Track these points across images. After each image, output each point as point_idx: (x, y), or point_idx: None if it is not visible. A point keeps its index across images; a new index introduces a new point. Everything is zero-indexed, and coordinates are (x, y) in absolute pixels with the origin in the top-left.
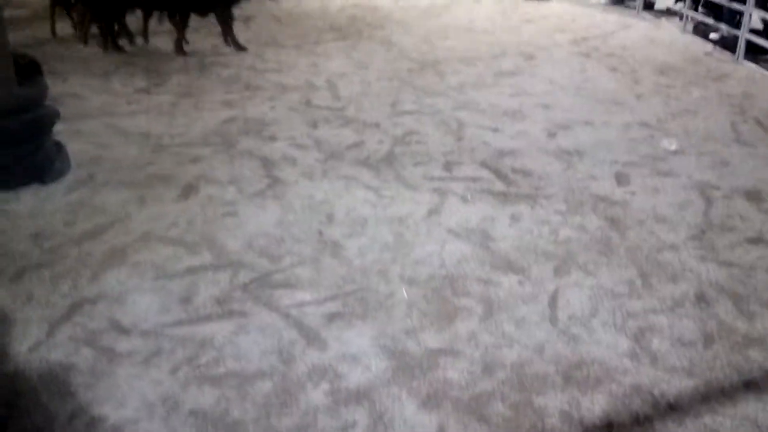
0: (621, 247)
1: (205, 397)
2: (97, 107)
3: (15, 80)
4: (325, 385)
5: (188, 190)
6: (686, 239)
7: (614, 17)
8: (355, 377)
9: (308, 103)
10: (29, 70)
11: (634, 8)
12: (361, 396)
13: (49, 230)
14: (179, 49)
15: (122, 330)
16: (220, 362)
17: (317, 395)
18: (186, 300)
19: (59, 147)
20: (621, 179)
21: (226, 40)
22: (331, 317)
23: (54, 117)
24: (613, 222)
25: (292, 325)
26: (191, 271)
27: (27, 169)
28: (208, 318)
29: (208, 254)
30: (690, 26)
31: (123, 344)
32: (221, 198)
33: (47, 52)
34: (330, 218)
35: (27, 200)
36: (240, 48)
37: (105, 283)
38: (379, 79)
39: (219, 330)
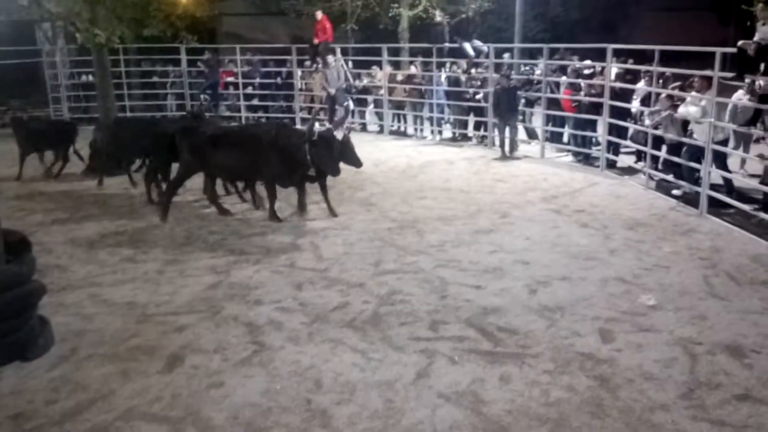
0: (613, 408)
1: None
2: (81, 278)
3: (3, 258)
4: None
5: (173, 361)
6: (676, 398)
7: (580, 175)
8: None
9: (293, 265)
10: (18, 247)
11: (598, 166)
12: None
13: (31, 410)
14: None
15: None
16: None
17: None
18: None
19: (43, 322)
20: (605, 336)
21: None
22: None
23: (40, 293)
24: (603, 381)
25: None
26: None
27: (11, 347)
28: None
29: (192, 431)
30: (652, 183)
31: None
32: (207, 368)
33: (33, 222)
34: (318, 385)
35: (9, 378)
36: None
37: None
38: (361, 239)
39: None
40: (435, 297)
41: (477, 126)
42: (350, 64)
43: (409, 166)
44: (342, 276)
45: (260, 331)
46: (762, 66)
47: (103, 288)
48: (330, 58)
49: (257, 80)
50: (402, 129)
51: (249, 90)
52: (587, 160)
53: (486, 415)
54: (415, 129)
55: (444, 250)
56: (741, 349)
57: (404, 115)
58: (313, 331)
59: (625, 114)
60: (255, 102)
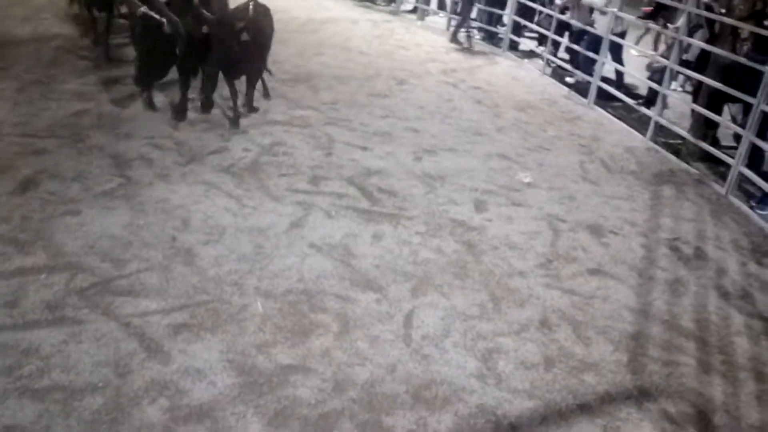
0: (475, 271)
1: (25, 412)
2: None
3: None
4: (163, 401)
5: (26, 184)
6: (534, 267)
7: (482, 53)
8: (198, 393)
9: (171, 103)
10: None
11: (501, 47)
12: (202, 414)
13: None
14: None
15: None
16: (45, 374)
17: (153, 412)
18: (12, 304)
19: None
20: (479, 206)
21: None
22: (178, 329)
23: None
24: (470, 247)
25: (132, 336)
26: (21, 272)
27: None
28: (35, 324)
29: (42, 254)
30: (549, 70)
31: None
32: (63, 195)
33: None
34: (185, 224)
35: None
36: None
37: None
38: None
39: (47, 338)
40: (320, 153)
41: None
42: None
43: (310, 20)
44: (224, 121)
45: (128, 165)
46: None
47: None
48: None
49: None
50: None
51: None
52: (491, 39)
53: (354, 267)
54: None
55: (336, 108)
56: (601, 229)
57: None
58: (187, 171)
59: None
60: None
